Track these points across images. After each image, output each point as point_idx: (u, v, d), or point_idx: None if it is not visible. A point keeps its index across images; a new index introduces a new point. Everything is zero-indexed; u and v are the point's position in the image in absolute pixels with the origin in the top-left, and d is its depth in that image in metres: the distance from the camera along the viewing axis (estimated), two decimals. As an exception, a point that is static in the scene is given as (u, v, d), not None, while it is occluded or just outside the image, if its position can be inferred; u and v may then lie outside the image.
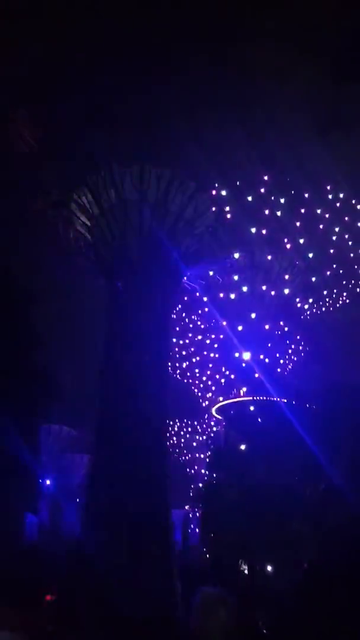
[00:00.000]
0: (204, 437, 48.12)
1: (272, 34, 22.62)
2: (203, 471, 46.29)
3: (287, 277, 35.53)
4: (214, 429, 41.23)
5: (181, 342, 38.16)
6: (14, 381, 12.76)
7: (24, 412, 13.39)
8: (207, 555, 28.61)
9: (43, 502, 45.84)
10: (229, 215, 28.66)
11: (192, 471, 51.26)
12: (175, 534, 28.03)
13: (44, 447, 47.73)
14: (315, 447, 23.24)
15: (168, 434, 27.09)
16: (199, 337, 40.68)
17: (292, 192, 27.08)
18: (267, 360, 36.21)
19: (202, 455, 51.33)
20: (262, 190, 27.54)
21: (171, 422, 27.75)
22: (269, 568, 24.34)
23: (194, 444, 53.08)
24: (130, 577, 18.02)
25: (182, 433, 48.74)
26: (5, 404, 12.46)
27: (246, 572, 26.71)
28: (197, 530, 43.26)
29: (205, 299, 36.94)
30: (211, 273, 34.42)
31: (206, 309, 37.92)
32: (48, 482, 51.26)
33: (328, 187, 28.60)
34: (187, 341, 39.86)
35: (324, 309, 37.03)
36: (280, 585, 21.58)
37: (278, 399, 33.00)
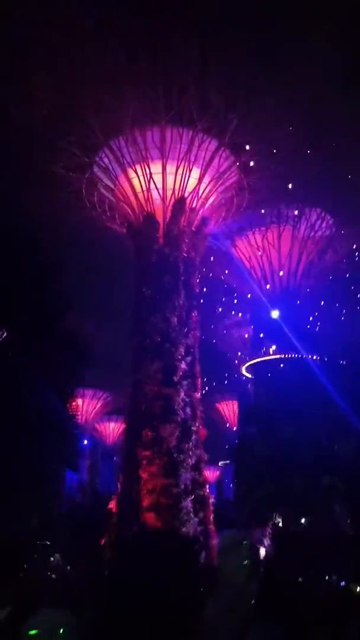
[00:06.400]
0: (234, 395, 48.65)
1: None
2: (234, 428, 47.02)
3: (314, 233, 34.79)
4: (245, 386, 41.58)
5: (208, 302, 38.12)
6: (48, 347, 13.11)
7: (59, 376, 13.79)
8: (241, 509, 29.31)
9: (82, 462, 47.52)
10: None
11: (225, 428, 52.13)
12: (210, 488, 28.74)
13: (80, 410, 49.10)
14: (344, 402, 23.25)
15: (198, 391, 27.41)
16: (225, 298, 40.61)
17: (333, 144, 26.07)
18: (295, 317, 36.01)
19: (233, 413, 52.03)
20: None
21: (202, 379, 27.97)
22: (302, 521, 24.83)
23: (225, 402, 53.78)
24: None
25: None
26: (41, 369, 12.87)
27: (280, 524, 27.28)
28: (231, 485, 44.27)
29: (232, 256, 36.65)
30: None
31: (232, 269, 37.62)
32: (85, 442, 52.97)
33: None
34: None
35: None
36: (311, 538, 22.02)
37: (307, 356, 32.94)
